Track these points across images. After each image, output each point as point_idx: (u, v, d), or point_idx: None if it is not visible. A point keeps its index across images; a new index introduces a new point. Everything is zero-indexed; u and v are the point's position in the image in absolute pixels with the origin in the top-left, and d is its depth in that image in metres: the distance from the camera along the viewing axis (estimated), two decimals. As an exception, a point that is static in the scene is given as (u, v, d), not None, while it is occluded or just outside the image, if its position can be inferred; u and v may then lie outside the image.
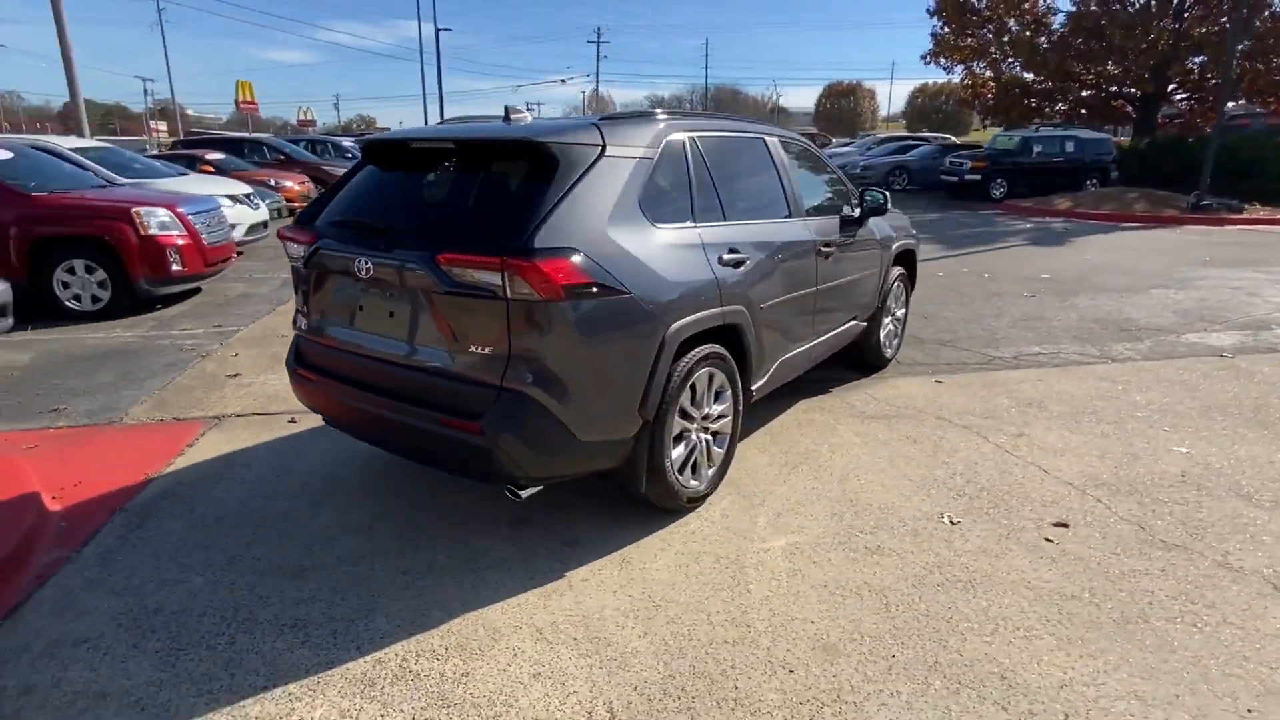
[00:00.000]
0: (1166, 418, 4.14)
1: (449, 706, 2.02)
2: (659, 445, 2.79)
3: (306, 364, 3.04)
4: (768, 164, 3.66)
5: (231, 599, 2.51)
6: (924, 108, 71.44)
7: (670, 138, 3.00)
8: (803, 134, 4.57)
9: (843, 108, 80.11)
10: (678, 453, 2.94)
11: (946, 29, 23.11)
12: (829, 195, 4.23)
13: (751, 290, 3.22)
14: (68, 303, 6.49)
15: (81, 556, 2.78)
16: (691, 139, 3.12)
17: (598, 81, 67.79)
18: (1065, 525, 2.98)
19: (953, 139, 28.46)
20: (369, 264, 2.61)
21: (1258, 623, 2.36)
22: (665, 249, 2.77)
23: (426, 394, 2.60)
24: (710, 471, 3.18)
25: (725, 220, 3.19)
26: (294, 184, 15.06)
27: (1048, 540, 2.87)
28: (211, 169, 14.28)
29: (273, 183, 14.63)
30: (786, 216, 3.66)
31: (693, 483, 3.06)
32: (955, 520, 3.03)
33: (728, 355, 3.12)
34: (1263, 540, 2.86)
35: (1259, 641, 2.27)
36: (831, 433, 3.96)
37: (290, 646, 2.26)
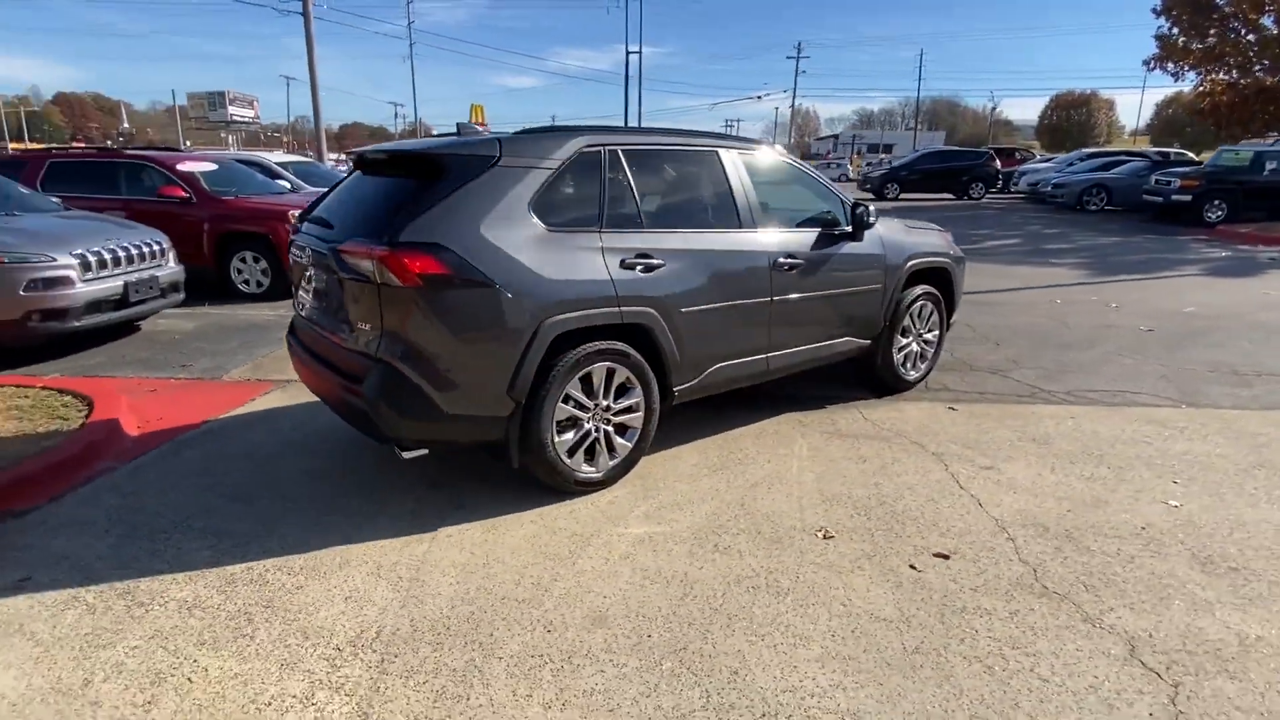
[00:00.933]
0: (1190, 469, 3.61)
1: (269, 608, 2.50)
2: (535, 426, 3.08)
3: (295, 338, 3.73)
4: (716, 177, 3.78)
5: (190, 509, 3.20)
6: (1174, 120, 62.25)
7: (585, 150, 3.29)
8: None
9: (1072, 120, 72.26)
10: (567, 438, 3.22)
11: (1175, 30, 20.28)
12: (803, 209, 4.21)
13: (667, 295, 3.39)
14: (239, 286, 8.06)
15: (123, 469, 3.66)
16: (614, 152, 3.38)
17: (794, 96, 67.18)
18: (945, 556, 2.83)
19: (1188, 154, 24.73)
20: (310, 252, 3.21)
21: (1068, 679, 2.15)
22: (552, 250, 3.07)
23: (341, 364, 3.13)
24: (612, 461, 3.39)
25: (643, 228, 3.40)
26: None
27: (911, 567, 2.75)
28: None
29: None
30: (735, 228, 3.75)
31: (586, 468, 3.31)
32: (830, 535, 2.98)
33: (633, 353, 3.33)
34: (1170, 605, 2.52)
35: (1048, 696, 2.08)
36: (786, 445, 3.96)
37: (200, 548, 2.88)
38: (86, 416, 4.09)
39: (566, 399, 3.18)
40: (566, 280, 3.07)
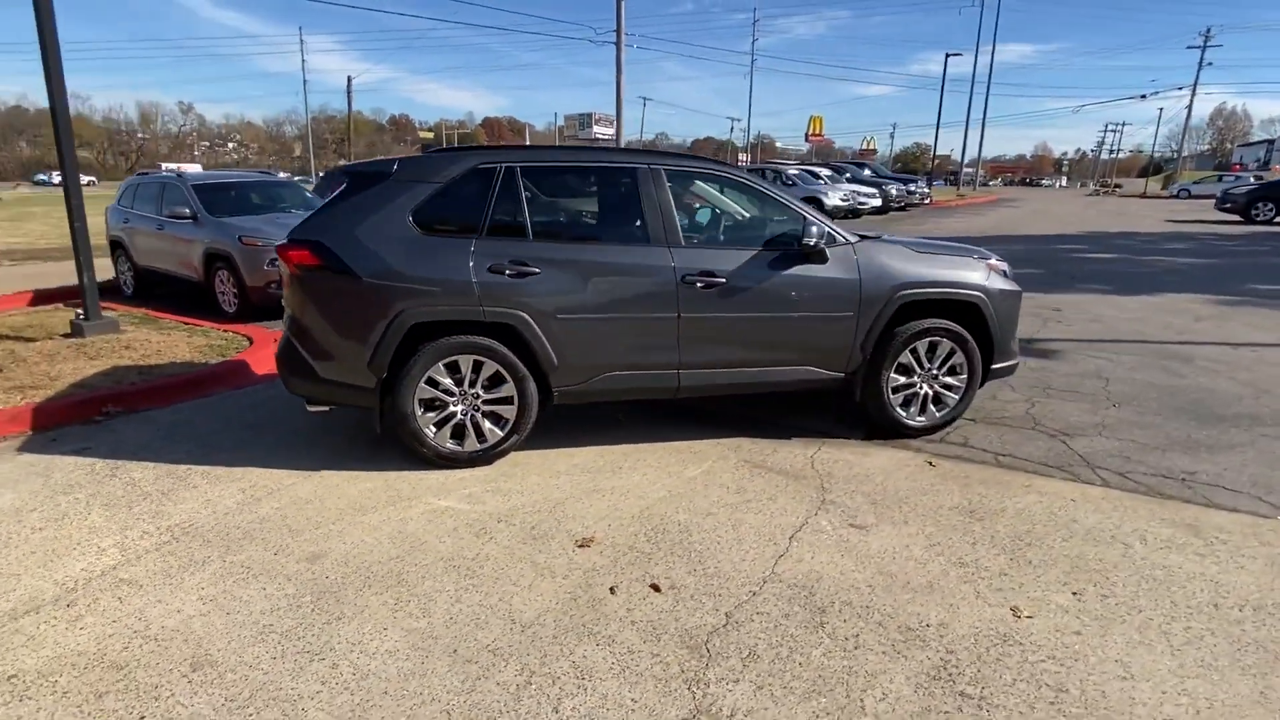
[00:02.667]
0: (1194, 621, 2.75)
1: (165, 495, 3.48)
2: (398, 401, 3.64)
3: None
4: (624, 194, 3.88)
5: (218, 430, 4.42)
6: None
7: (478, 168, 3.73)
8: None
9: None
10: (432, 415, 3.72)
11: None
12: (748, 228, 4.04)
13: (541, 301, 3.67)
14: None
15: (220, 396, 5.11)
16: (510, 170, 3.75)
17: (1193, 94, 54.94)
18: (657, 588, 2.71)
19: None
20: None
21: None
22: (421, 252, 3.59)
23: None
24: (480, 445, 3.80)
25: (527, 239, 3.72)
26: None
27: (611, 590, 2.71)
28: None
29: None
30: (638, 243, 3.83)
31: (450, 445, 3.77)
32: (585, 544, 3.03)
33: (502, 349, 3.69)
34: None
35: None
36: (689, 465, 3.89)
37: (186, 453, 4.03)
38: (234, 356, 5.72)
39: (431, 381, 3.68)
40: (427, 278, 3.57)
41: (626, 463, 3.91)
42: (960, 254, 4.35)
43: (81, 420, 4.47)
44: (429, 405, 3.71)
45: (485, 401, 3.78)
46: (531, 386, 3.78)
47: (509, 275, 3.64)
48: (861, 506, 3.40)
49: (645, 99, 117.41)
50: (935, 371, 4.26)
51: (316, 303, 3.60)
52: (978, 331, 4.28)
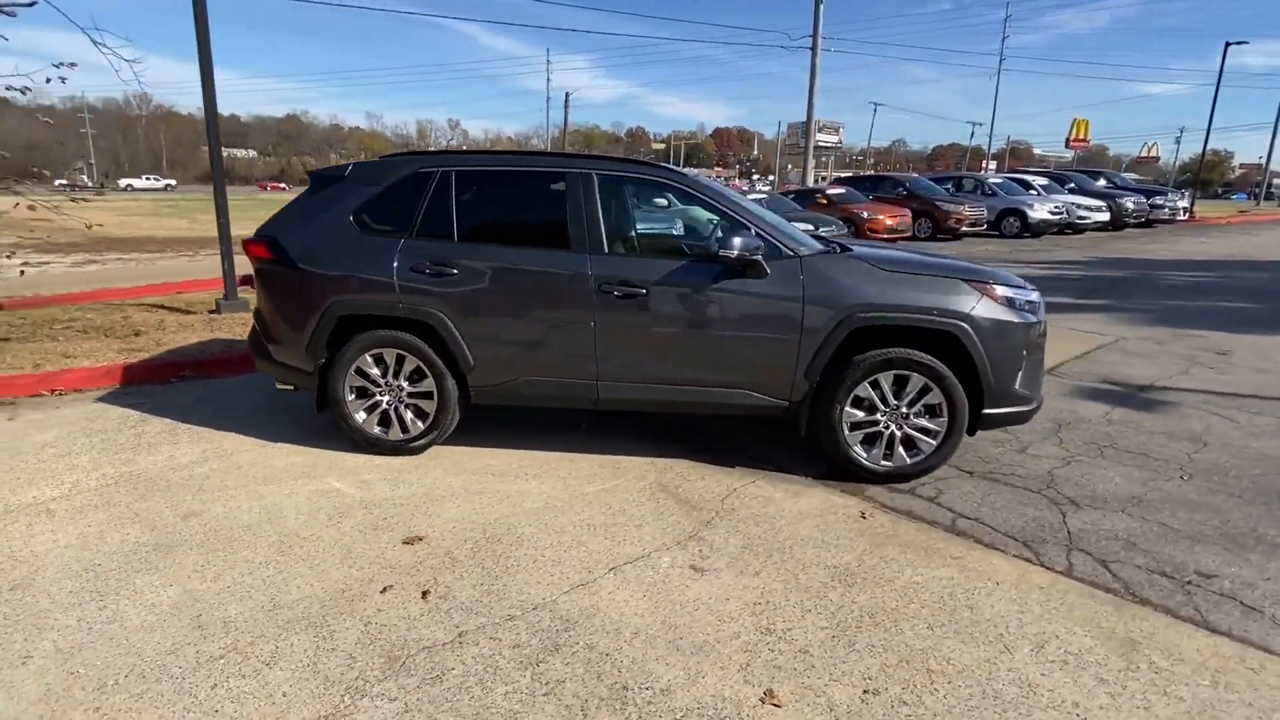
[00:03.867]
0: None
1: (134, 448, 4.11)
2: (331, 385, 3.94)
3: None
4: (551, 200, 3.81)
5: (240, 401, 5.10)
6: None
7: (418, 172, 3.91)
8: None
9: None
10: (361, 403, 3.98)
11: None
12: (684, 238, 3.77)
13: (457, 300, 3.77)
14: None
15: (279, 368, 5.86)
16: (445, 174, 3.89)
17: None
18: (426, 595, 2.67)
19: None
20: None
21: None
22: (354, 249, 3.86)
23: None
24: (402, 435, 3.98)
25: (452, 240, 3.83)
26: (886, 217, 16.46)
27: (378, 597, 2.73)
28: (825, 201, 17.07)
29: (865, 215, 16.42)
30: (559, 249, 3.75)
31: (376, 431, 4.00)
32: (408, 541, 3.06)
33: (420, 344, 3.85)
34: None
35: None
36: (589, 480, 3.75)
37: (201, 418, 4.71)
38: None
39: (360, 371, 3.93)
40: (355, 274, 3.82)
41: (537, 469, 3.86)
42: (945, 274, 3.68)
43: (159, 380, 5.40)
44: (360, 393, 3.97)
45: (409, 395, 3.95)
46: (450, 384, 3.89)
47: (427, 274, 3.77)
48: (727, 548, 3.05)
49: (876, 104, 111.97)
50: (905, 410, 3.66)
51: (269, 293, 4.03)
52: (961, 367, 3.60)
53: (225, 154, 8.40)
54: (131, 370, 5.34)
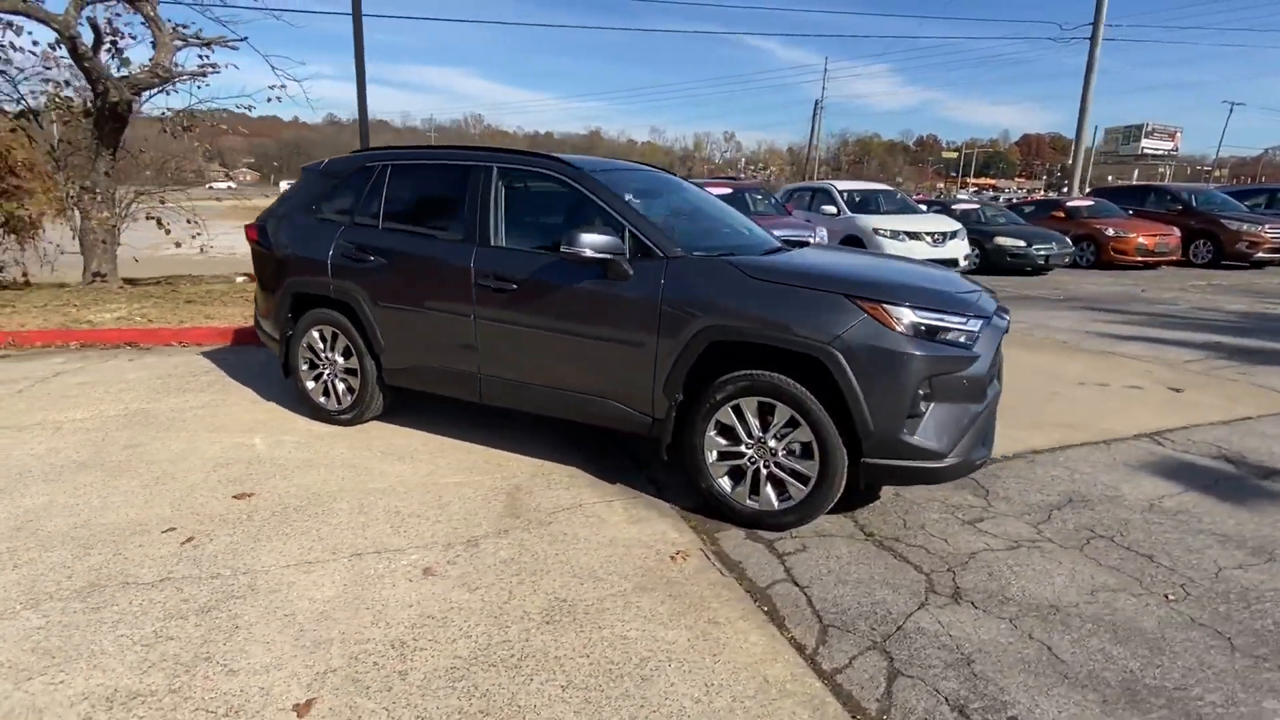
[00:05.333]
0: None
1: (179, 391, 5.00)
2: (289, 354, 4.44)
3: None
4: (456, 191, 3.84)
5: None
6: None
7: (364, 165, 4.23)
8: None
9: None
10: (310, 373, 4.43)
11: None
12: (554, 234, 3.57)
13: (371, 285, 4.03)
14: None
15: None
16: (384, 167, 4.16)
17: None
18: (173, 531, 2.93)
19: None
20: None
21: None
22: (308, 234, 4.30)
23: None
24: (338, 406, 4.35)
25: (377, 227, 4.09)
26: (1140, 236, 13.67)
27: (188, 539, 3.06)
28: (1063, 214, 14.66)
29: (1110, 233, 13.82)
30: (453, 240, 3.80)
31: (322, 399, 4.41)
32: (238, 497, 3.37)
33: (349, 325, 4.19)
34: (35, 658, 2.22)
35: (-57, 577, 2.64)
36: (455, 471, 3.76)
37: (233, 376, 5.59)
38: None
39: (309, 344, 4.38)
40: (304, 256, 4.26)
41: (429, 456, 3.95)
42: (830, 286, 3.02)
43: (257, 344, 6.48)
44: (310, 364, 4.42)
45: (342, 370, 4.30)
46: (370, 364, 4.16)
47: (352, 260, 4.08)
48: (486, 560, 2.87)
49: (1232, 104, 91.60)
50: (772, 445, 3.11)
51: (257, 271, 4.65)
52: (833, 400, 2.95)
53: None
54: (240, 334, 6.49)
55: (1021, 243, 12.60)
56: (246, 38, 8.12)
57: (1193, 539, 3.11)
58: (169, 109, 8.79)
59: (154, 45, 7.73)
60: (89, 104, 7.55)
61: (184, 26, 8.19)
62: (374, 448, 4.04)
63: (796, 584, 2.76)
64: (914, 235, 10.96)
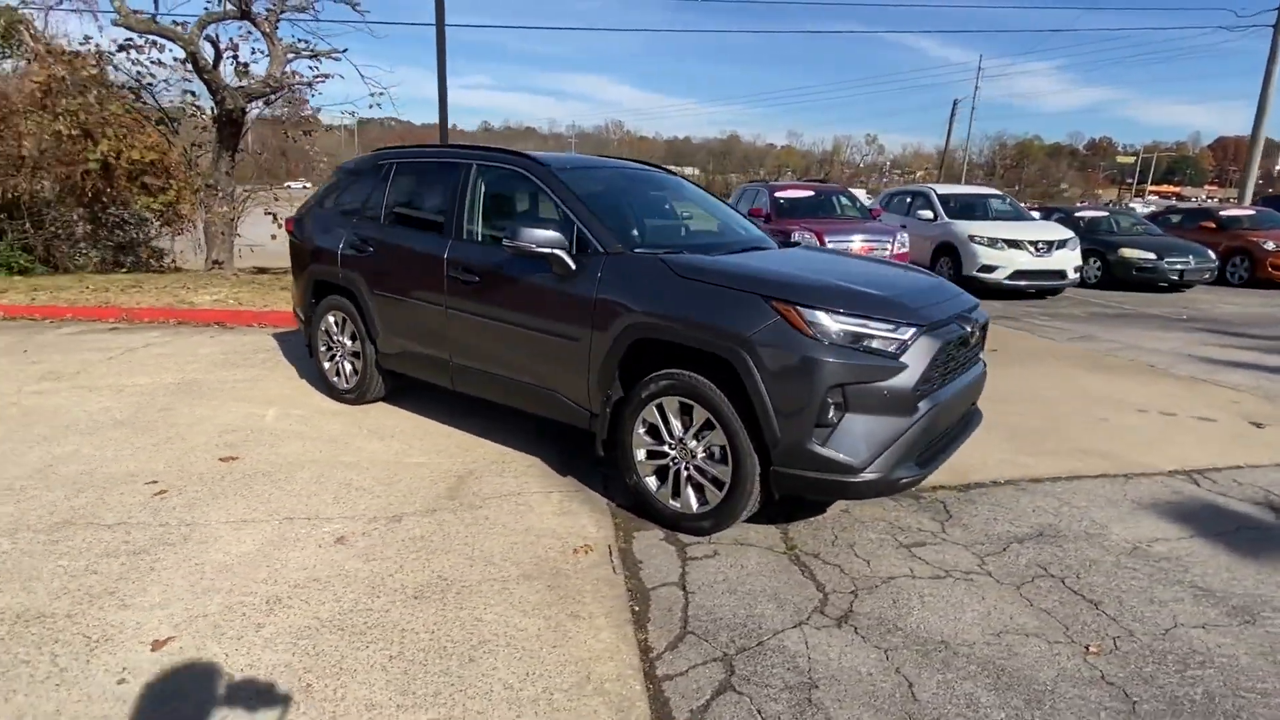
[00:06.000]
0: None
1: (233, 365, 5.58)
2: (311, 337, 4.87)
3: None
4: (442, 187, 4.03)
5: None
6: None
7: (377, 163, 4.54)
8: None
9: None
10: (326, 353, 4.82)
11: None
12: (507, 226, 3.66)
13: (367, 275, 4.33)
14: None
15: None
16: (390, 165, 4.44)
17: None
18: (156, 487, 3.30)
19: None
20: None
21: None
22: (326, 227, 4.67)
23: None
24: (347, 385, 4.70)
25: (378, 221, 4.38)
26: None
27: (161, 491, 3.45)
28: (1213, 225, 13.14)
29: (1270, 245, 12.22)
30: (436, 233, 4.00)
31: (334, 378, 4.78)
32: (224, 460, 3.74)
33: (353, 311, 4.52)
34: None
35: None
36: (428, 455, 3.97)
37: (285, 355, 6.14)
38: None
39: (325, 328, 4.76)
40: (322, 247, 4.64)
41: (412, 437, 4.17)
42: (749, 286, 2.91)
43: (326, 327, 7.07)
44: (327, 345, 4.81)
45: (349, 352, 4.65)
46: (369, 348, 4.46)
47: (356, 251, 4.40)
48: (400, 537, 3.03)
49: None
50: (692, 447, 3.05)
51: (291, 260, 5.11)
52: (741, 402, 2.86)
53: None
54: (311, 317, 7.11)
55: (1150, 255, 11.27)
56: (346, 49, 8.88)
57: (1163, 590, 2.72)
58: (312, 113, 9.86)
59: (269, 58, 8.64)
60: (213, 112, 8.58)
61: (304, 42, 9.12)
62: (363, 426, 4.33)
63: (684, 589, 2.70)
64: (1014, 243, 10.11)
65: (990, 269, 10.09)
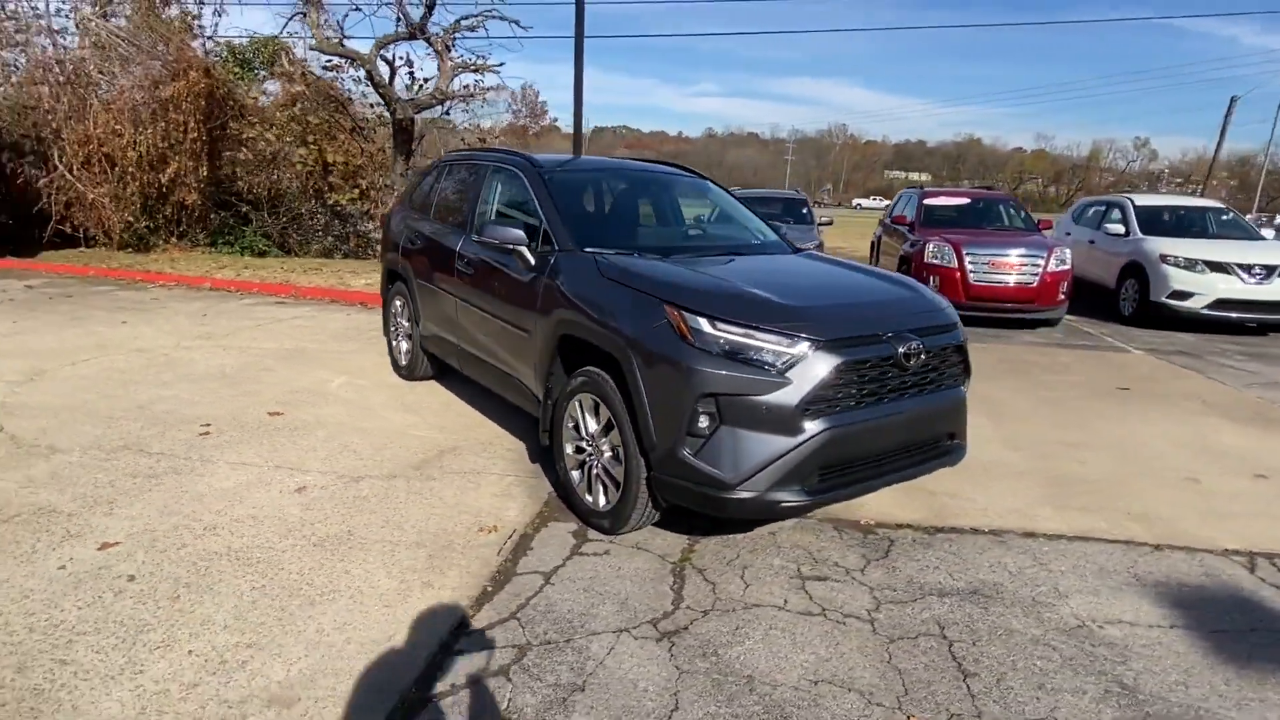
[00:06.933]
0: None
1: (301, 332, 6.48)
2: (385, 319, 5.54)
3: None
4: (470, 186, 4.39)
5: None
6: None
7: (436, 166, 5.06)
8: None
9: None
10: (393, 333, 5.45)
11: None
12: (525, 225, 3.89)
13: (415, 264, 4.86)
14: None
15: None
16: (444, 168, 4.92)
17: None
18: (207, 430, 4.03)
19: None
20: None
21: (72, 432, 4.00)
22: (400, 220, 5.27)
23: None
24: (403, 361, 5.29)
25: (428, 217, 4.88)
26: None
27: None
28: None
29: None
30: (460, 228, 4.39)
31: (397, 355, 5.40)
32: (273, 414, 4.43)
33: (408, 296, 5.08)
34: (47, 478, 3.41)
35: (74, 425, 4.09)
36: (426, 423, 4.37)
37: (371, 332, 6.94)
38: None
39: (393, 312, 5.39)
40: (392, 239, 5.26)
41: (428, 412, 4.62)
42: (654, 288, 2.89)
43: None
44: (395, 327, 5.43)
45: (406, 333, 5.22)
46: (416, 330, 4.99)
47: (409, 242, 4.94)
48: (352, 496, 3.43)
49: None
50: (601, 445, 3.12)
51: (380, 250, 5.81)
52: (625, 396, 2.87)
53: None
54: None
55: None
56: (504, 64, 9.76)
57: (1068, 678, 2.26)
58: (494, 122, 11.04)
59: (438, 73, 9.79)
60: (388, 121, 9.93)
61: (482, 57, 10.20)
62: (403, 400, 4.85)
63: (548, 579, 2.77)
64: (1219, 267, 8.37)
65: (1183, 295, 8.46)
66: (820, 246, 9.14)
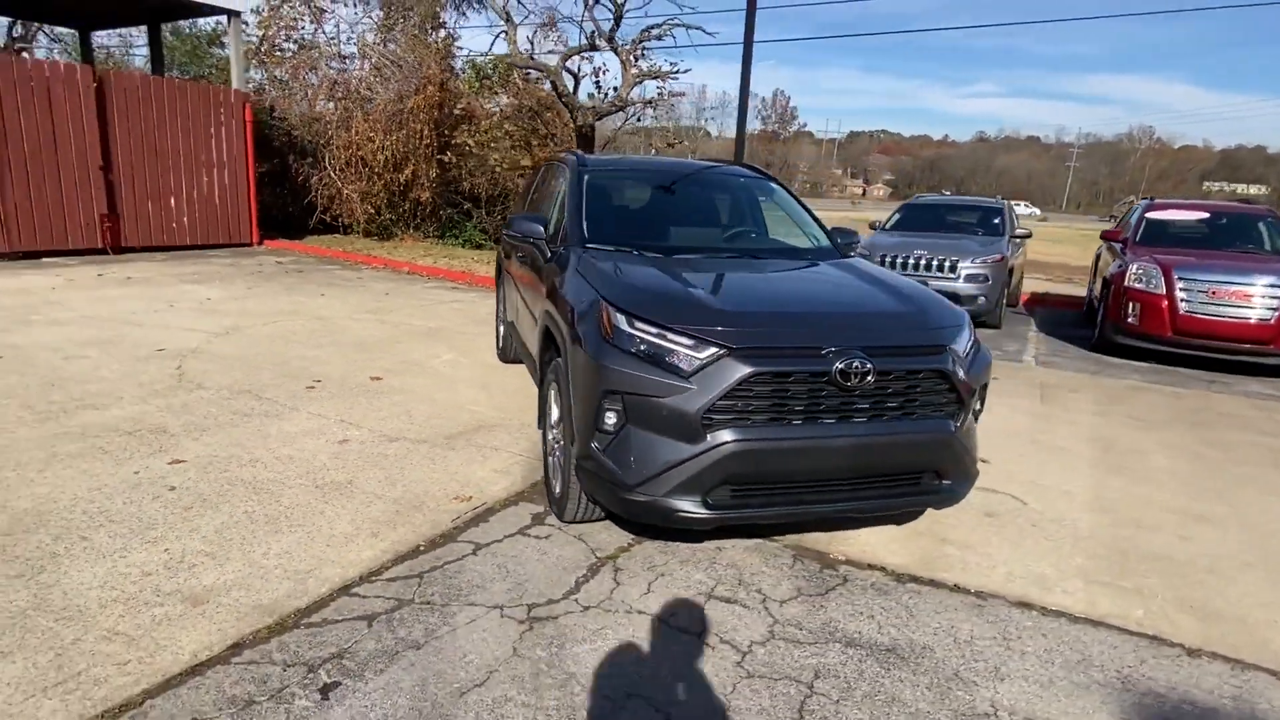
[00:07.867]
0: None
1: (332, 294, 7.20)
2: (497, 310, 6.09)
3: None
4: (545, 183, 4.71)
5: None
6: None
7: (536, 168, 5.44)
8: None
9: None
10: (498, 319, 5.97)
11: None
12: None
13: (504, 254, 5.32)
14: (1083, 328, 8.02)
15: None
16: (545, 168, 5.29)
17: None
18: (250, 396, 4.81)
19: None
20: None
21: (224, 375, 5.01)
22: (512, 219, 5.75)
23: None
24: (499, 343, 5.79)
25: (522, 211, 5.29)
26: None
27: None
28: None
29: None
30: (536, 224, 4.70)
31: (498, 339, 5.92)
32: (310, 387, 5.13)
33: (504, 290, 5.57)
34: (181, 407, 4.35)
35: (229, 370, 5.13)
36: (480, 397, 4.77)
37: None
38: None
39: (500, 300, 5.90)
40: (503, 237, 5.77)
41: (503, 393, 5.04)
42: (601, 287, 2.91)
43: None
44: (500, 313, 5.95)
45: (504, 320, 5.70)
46: (505, 317, 5.45)
47: (508, 240, 5.39)
48: (374, 445, 3.92)
49: None
50: (559, 433, 3.25)
51: (502, 240, 6.37)
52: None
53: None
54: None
55: None
56: (690, 69, 10.04)
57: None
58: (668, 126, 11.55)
59: (620, 81, 10.34)
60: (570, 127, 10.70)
61: (674, 63, 10.63)
62: (488, 379, 5.31)
63: (474, 551, 2.95)
64: None
65: None
66: (1001, 261, 8.14)
